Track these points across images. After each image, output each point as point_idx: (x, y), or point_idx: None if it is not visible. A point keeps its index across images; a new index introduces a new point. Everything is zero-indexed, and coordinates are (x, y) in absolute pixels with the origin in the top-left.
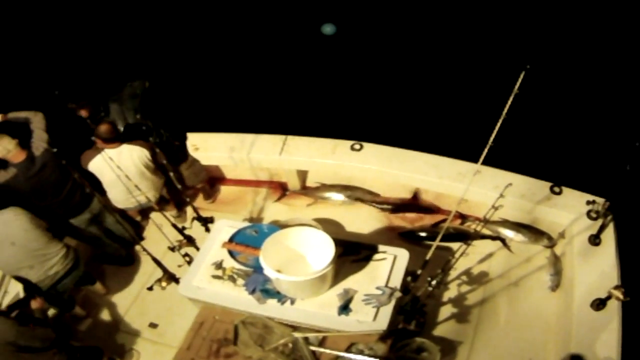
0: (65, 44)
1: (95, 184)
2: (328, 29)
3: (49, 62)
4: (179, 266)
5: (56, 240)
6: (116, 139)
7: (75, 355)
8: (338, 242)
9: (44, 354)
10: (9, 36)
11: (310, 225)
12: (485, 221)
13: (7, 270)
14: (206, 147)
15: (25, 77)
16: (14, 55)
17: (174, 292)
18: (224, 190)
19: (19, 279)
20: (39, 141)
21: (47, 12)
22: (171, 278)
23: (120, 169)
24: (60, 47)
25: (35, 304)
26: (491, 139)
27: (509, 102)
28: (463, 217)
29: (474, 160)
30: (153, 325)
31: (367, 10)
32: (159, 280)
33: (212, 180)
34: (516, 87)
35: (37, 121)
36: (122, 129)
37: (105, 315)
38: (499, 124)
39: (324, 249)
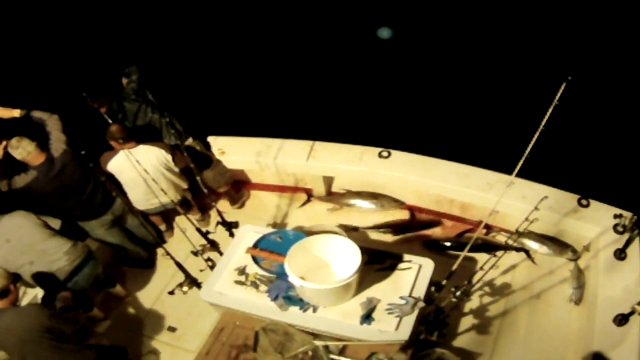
0: (82, 45)
1: (117, 185)
2: (385, 32)
3: (66, 62)
4: (201, 270)
5: (59, 236)
6: (130, 138)
7: (104, 351)
8: (363, 250)
9: (75, 347)
10: (22, 37)
11: (336, 233)
12: (518, 233)
13: (9, 268)
14: (233, 151)
15: (40, 78)
16: (30, 56)
17: (195, 297)
18: (249, 194)
19: (35, 277)
20: (58, 142)
21: (61, 14)
22: (193, 282)
23: (140, 164)
24: (77, 49)
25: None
26: (527, 150)
27: (548, 114)
28: (488, 228)
29: (502, 170)
30: (172, 329)
31: (408, 15)
32: (181, 285)
33: (238, 184)
34: (556, 98)
35: (52, 123)
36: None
37: (124, 318)
38: (536, 136)
39: (349, 257)
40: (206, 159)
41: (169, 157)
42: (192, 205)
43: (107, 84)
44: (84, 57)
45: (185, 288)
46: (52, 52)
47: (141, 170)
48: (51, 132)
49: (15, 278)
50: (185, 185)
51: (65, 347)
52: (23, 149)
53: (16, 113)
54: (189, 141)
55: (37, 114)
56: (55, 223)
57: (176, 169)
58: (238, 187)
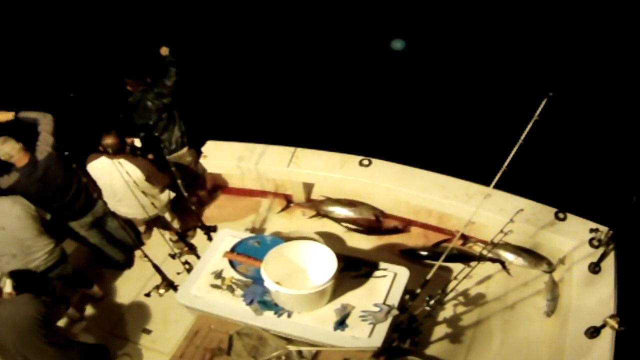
0: (81, 47)
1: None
2: (398, 44)
3: (62, 63)
4: (178, 273)
5: (46, 235)
6: (121, 151)
7: (87, 348)
8: (339, 257)
9: (64, 341)
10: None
11: (313, 239)
12: (492, 244)
13: None
14: (214, 155)
15: (36, 78)
16: (28, 56)
17: (170, 299)
18: (229, 199)
19: (11, 270)
20: (44, 145)
21: (71, 18)
22: (169, 285)
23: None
24: (79, 50)
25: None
26: (505, 163)
27: (528, 128)
28: (465, 238)
29: (480, 181)
30: (147, 331)
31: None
32: (157, 287)
33: (216, 188)
34: (537, 113)
35: (45, 123)
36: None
37: (99, 319)
38: (515, 149)
39: (325, 264)
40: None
41: (142, 177)
42: (170, 220)
43: (149, 70)
44: (83, 58)
45: (161, 290)
46: (49, 51)
47: (116, 182)
48: (41, 132)
49: None
50: (160, 202)
51: (57, 339)
52: (6, 152)
53: (11, 115)
54: (184, 150)
55: (31, 115)
56: (47, 215)
57: (150, 189)
58: (215, 190)
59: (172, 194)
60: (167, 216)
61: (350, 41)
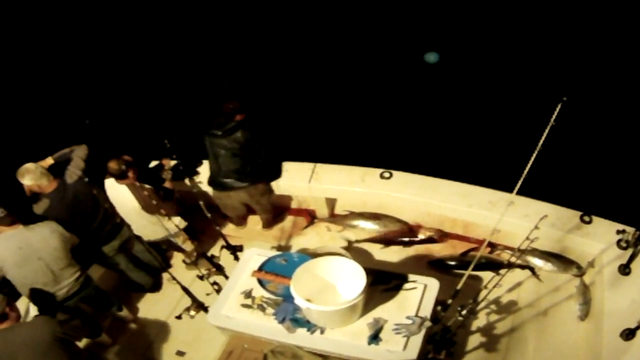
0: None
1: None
2: (432, 57)
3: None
4: (208, 294)
5: (74, 263)
6: (120, 177)
7: None
8: (368, 271)
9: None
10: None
11: (340, 254)
12: (520, 251)
13: (22, 284)
14: None
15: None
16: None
17: (202, 321)
18: (253, 218)
19: (32, 294)
20: (75, 168)
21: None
22: (200, 307)
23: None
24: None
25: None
26: (526, 169)
27: (545, 133)
28: (492, 246)
29: (504, 189)
30: (180, 354)
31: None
32: (188, 309)
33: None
34: (552, 118)
35: (79, 149)
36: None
37: (132, 343)
38: (534, 155)
39: (354, 279)
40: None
41: (138, 206)
42: (181, 243)
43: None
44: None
45: (192, 312)
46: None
47: (118, 205)
48: (73, 158)
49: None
50: (163, 228)
51: (79, 359)
52: (29, 184)
53: (50, 160)
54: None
55: (66, 150)
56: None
57: (148, 217)
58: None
59: (183, 223)
60: (179, 240)
61: (360, 55)
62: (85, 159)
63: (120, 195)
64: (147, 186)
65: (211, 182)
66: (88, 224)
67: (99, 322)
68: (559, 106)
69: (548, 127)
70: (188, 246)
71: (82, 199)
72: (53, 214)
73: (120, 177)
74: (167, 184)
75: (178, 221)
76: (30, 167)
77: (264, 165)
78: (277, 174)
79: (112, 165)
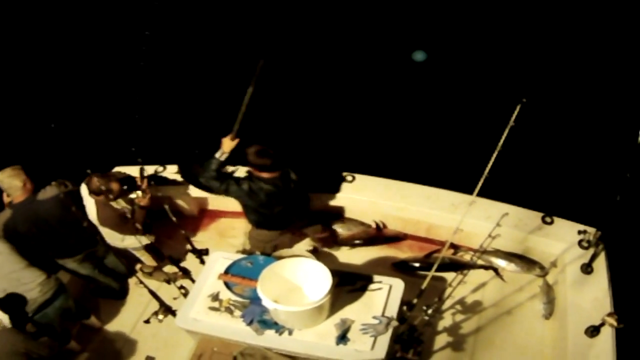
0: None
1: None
2: (419, 55)
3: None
4: (175, 299)
5: (34, 267)
6: (97, 194)
7: None
8: (333, 273)
9: None
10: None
11: (305, 257)
12: (481, 251)
13: None
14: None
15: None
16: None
17: (170, 325)
18: (215, 222)
19: (3, 304)
20: (55, 187)
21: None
22: (168, 310)
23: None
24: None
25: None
26: (486, 170)
27: (505, 134)
28: (455, 247)
29: (466, 191)
30: (150, 359)
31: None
32: (156, 313)
33: (202, 212)
34: (512, 119)
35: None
36: None
37: (101, 350)
38: (494, 156)
39: (320, 279)
40: None
41: (97, 221)
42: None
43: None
44: None
45: (160, 316)
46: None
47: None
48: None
49: None
50: (122, 240)
51: None
52: (6, 186)
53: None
54: None
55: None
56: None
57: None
58: (202, 214)
59: (145, 240)
60: (137, 254)
61: (318, 61)
62: (74, 189)
63: (88, 205)
64: (117, 207)
65: None
66: (48, 238)
67: (67, 328)
68: (518, 107)
69: (507, 128)
70: (148, 260)
71: (46, 217)
72: (11, 226)
73: (95, 193)
74: (142, 203)
75: (139, 239)
76: (17, 176)
77: None
78: None
79: (95, 182)
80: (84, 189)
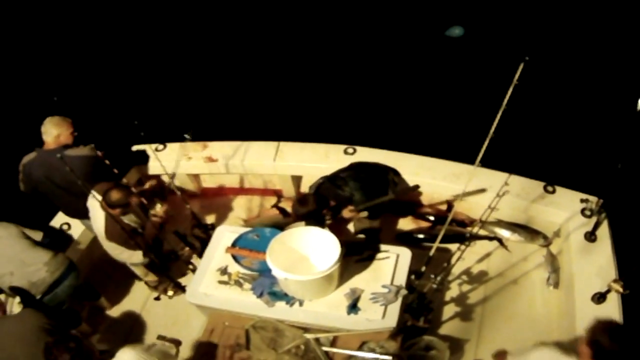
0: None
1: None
2: (457, 31)
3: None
4: (184, 275)
5: (39, 247)
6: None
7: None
8: (340, 243)
9: None
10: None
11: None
12: (483, 222)
13: None
14: (198, 156)
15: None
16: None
17: (180, 302)
18: (220, 199)
19: (13, 287)
20: (88, 150)
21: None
22: (177, 286)
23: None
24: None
25: None
26: (488, 137)
27: (509, 94)
28: (458, 219)
29: (467, 161)
30: (162, 337)
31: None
32: (165, 290)
33: (205, 190)
34: (515, 78)
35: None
36: None
37: (112, 329)
38: (497, 119)
39: (328, 249)
40: None
41: (103, 235)
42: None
43: None
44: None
45: (170, 292)
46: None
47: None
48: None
49: None
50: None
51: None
52: (47, 130)
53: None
54: None
55: None
56: (37, 235)
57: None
58: (205, 191)
59: (143, 259)
60: (137, 270)
61: (317, 32)
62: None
63: (97, 217)
64: (126, 222)
65: None
66: (57, 195)
67: (77, 311)
68: (522, 66)
69: (511, 88)
70: (150, 277)
71: (62, 172)
72: (27, 168)
73: (111, 207)
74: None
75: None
76: (58, 124)
77: None
78: None
79: (114, 194)
80: (92, 201)
